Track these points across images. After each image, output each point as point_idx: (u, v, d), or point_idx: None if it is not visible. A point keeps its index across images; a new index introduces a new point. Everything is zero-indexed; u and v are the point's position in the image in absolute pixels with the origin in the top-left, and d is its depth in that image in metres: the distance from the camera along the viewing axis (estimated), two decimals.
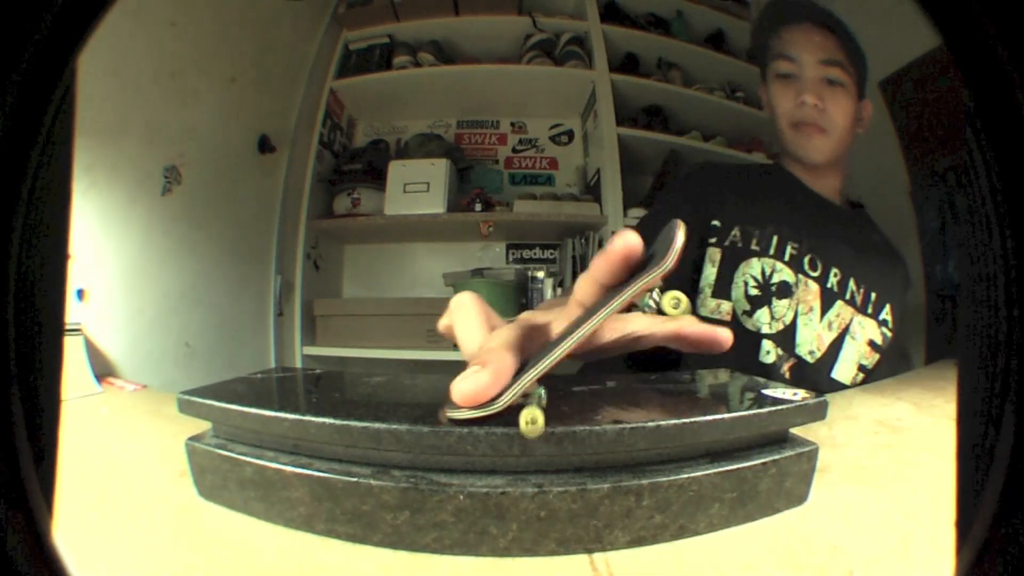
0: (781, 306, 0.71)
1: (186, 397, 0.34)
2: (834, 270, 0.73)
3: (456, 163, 1.66)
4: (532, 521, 0.27)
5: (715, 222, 0.75)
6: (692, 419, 0.30)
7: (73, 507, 0.32)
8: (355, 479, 0.28)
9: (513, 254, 1.76)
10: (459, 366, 0.28)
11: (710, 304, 0.73)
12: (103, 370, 0.87)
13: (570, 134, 1.83)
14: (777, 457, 0.31)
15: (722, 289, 0.72)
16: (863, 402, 0.57)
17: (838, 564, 0.26)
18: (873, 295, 0.74)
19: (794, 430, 0.35)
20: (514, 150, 1.85)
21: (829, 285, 0.73)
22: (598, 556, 0.27)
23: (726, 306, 0.72)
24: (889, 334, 0.74)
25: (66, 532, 0.18)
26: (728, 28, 1.69)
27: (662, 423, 0.29)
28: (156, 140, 1.15)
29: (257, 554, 0.28)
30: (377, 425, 0.28)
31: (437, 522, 0.27)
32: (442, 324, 0.41)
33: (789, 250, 0.73)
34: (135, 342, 1.03)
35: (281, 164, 1.52)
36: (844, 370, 0.72)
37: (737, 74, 1.68)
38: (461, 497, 0.27)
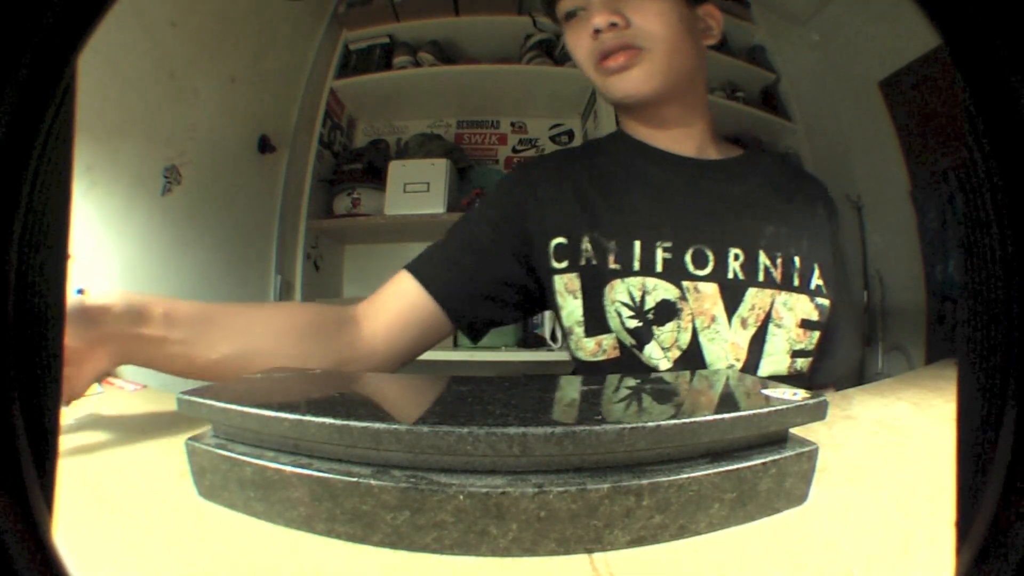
0: (666, 332, 0.55)
1: (186, 397, 0.34)
2: (733, 251, 0.57)
3: (456, 163, 1.66)
4: (532, 521, 0.27)
5: (559, 239, 0.59)
6: (692, 419, 0.30)
7: (73, 507, 0.32)
8: (355, 479, 0.28)
9: None
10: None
11: (588, 346, 0.58)
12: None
13: (570, 134, 1.83)
14: (777, 457, 0.31)
15: (596, 323, 0.57)
16: (863, 402, 0.57)
17: (838, 564, 0.26)
18: (797, 259, 0.58)
19: (794, 430, 0.35)
20: (514, 150, 1.85)
21: (731, 275, 0.57)
22: (598, 556, 0.27)
23: (609, 340, 0.57)
24: (826, 303, 0.59)
25: (66, 532, 0.18)
26: (728, 28, 1.69)
27: (662, 423, 0.29)
28: (156, 140, 1.15)
29: (257, 554, 0.28)
30: (377, 425, 0.28)
31: (437, 522, 0.27)
32: None
33: (660, 255, 0.56)
34: None
35: (281, 164, 1.52)
36: (772, 364, 0.58)
37: (737, 74, 1.68)
38: (461, 497, 0.27)
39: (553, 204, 0.60)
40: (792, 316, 0.58)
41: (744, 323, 0.57)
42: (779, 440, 0.34)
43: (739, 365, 0.57)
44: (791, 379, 0.60)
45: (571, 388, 0.43)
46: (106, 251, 1.01)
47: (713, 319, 0.56)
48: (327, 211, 1.65)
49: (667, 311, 0.56)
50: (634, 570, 0.26)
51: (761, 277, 0.57)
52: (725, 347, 0.56)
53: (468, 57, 1.69)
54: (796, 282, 0.58)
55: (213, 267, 1.30)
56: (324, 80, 1.65)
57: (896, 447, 0.44)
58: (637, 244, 0.56)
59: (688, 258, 0.57)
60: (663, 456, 0.30)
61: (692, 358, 0.56)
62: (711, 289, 0.56)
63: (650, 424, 0.29)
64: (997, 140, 0.16)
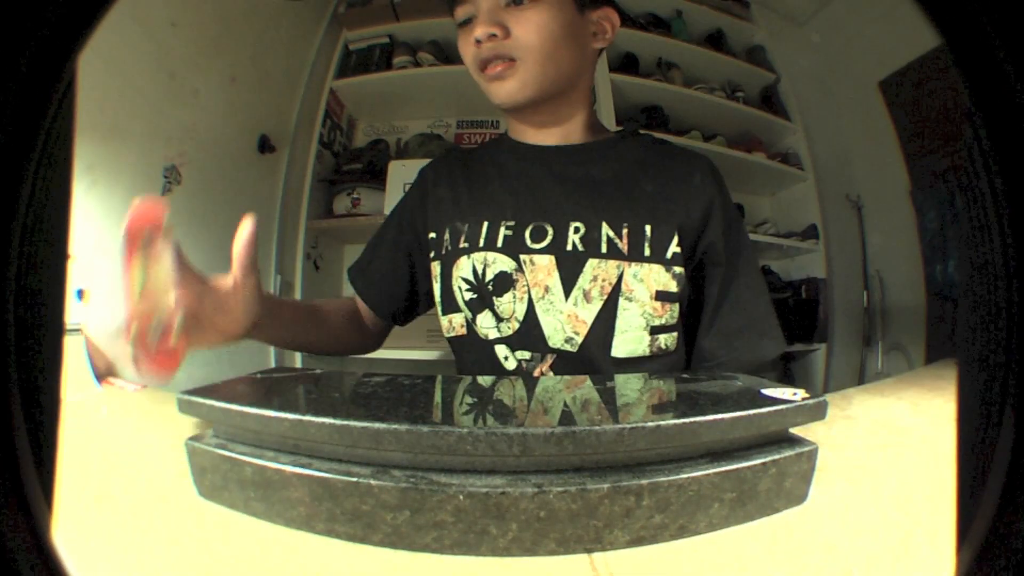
0: (504, 302, 0.58)
1: (186, 397, 0.34)
2: (574, 225, 0.58)
3: None
4: (532, 521, 0.27)
5: (431, 234, 0.65)
6: (692, 419, 0.30)
7: (73, 507, 0.32)
8: (355, 479, 0.28)
9: None
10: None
11: (443, 323, 0.64)
12: (103, 370, 0.87)
13: None
14: (777, 457, 0.31)
15: (448, 303, 0.63)
16: (863, 402, 0.57)
17: (838, 564, 0.26)
18: (648, 228, 0.58)
19: (794, 430, 0.35)
20: None
21: (569, 248, 0.57)
22: (598, 556, 0.27)
23: (457, 319, 0.62)
24: (682, 271, 0.58)
25: (66, 532, 0.18)
26: (728, 28, 1.69)
27: (662, 423, 0.29)
28: (156, 140, 1.15)
29: (257, 554, 0.28)
30: (377, 425, 0.28)
31: (437, 522, 0.27)
32: None
33: (503, 232, 0.59)
34: None
35: (281, 164, 1.52)
36: (628, 342, 0.57)
37: (737, 74, 1.68)
38: (461, 497, 0.27)
39: (434, 203, 0.67)
40: (644, 288, 0.57)
41: (587, 296, 0.57)
42: (779, 440, 0.34)
43: (579, 339, 0.57)
44: (658, 358, 0.58)
45: (571, 388, 0.43)
46: (106, 251, 1.01)
47: (547, 289, 0.57)
48: (327, 211, 1.65)
49: (504, 282, 0.58)
50: (634, 570, 0.26)
51: (604, 248, 0.57)
52: (560, 318, 0.57)
53: None
54: (647, 252, 0.57)
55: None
56: (324, 80, 1.65)
57: (896, 447, 0.44)
58: (485, 224, 0.60)
59: (527, 233, 0.59)
60: (663, 456, 0.30)
61: (530, 330, 0.58)
62: (546, 260, 0.58)
63: (650, 424, 0.29)
64: (997, 140, 0.16)
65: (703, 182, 0.62)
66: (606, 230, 0.58)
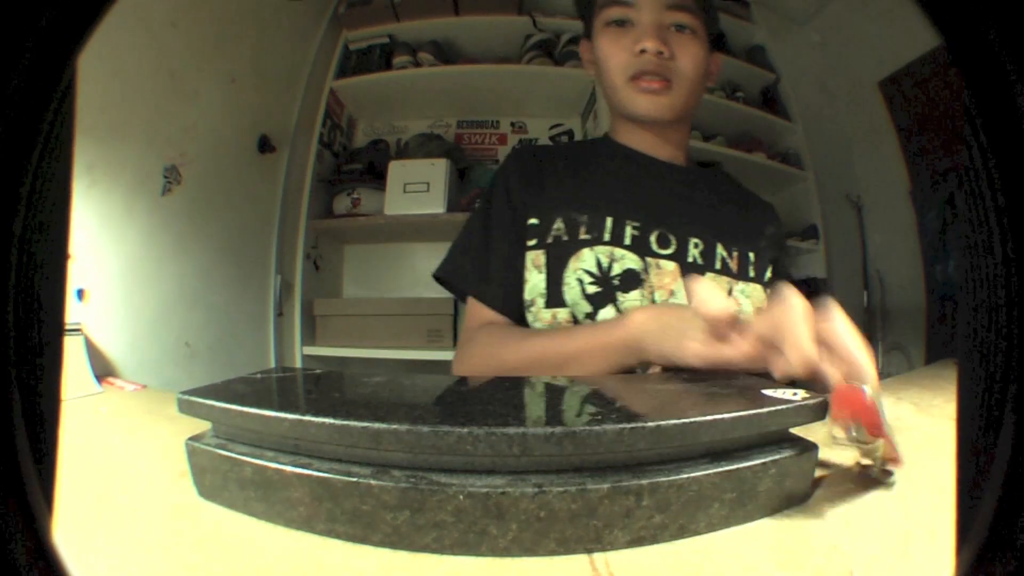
0: (631, 299, 0.59)
1: (186, 397, 0.34)
2: (694, 240, 0.62)
3: (456, 163, 1.66)
4: (532, 521, 0.27)
5: (532, 220, 0.64)
6: (692, 419, 0.30)
7: (73, 507, 0.32)
8: (355, 479, 0.28)
9: None
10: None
11: (545, 316, 0.61)
12: (103, 370, 0.87)
13: (570, 134, 1.83)
14: (777, 457, 0.31)
15: (555, 296, 0.61)
16: None
17: (838, 564, 0.26)
18: (751, 255, 0.64)
19: (794, 430, 0.35)
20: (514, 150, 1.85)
21: (690, 259, 0.62)
22: (598, 556, 0.27)
23: (563, 314, 0.60)
24: None
25: (66, 532, 0.18)
26: (728, 28, 1.69)
27: (662, 423, 0.29)
28: (156, 140, 1.15)
29: (257, 554, 0.28)
30: (377, 425, 0.28)
31: (437, 522, 0.27)
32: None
33: (629, 231, 0.61)
34: (135, 342, 1.03)
35: (281, 164, 1.52)
36: None
37: (737, 74, 1.68)
38: (461, 497, 0.27)
39: (536, 190, 0.66)
40: (749, 303, 0.62)
41: None
42: (779, 440, 0.34)
43: None
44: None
45: (571, 388, 0.43)
46: (106, 251, 1.01)
47: (672, 293, 0.60)
48: (327, 211, 1.65)
49: (632, 279, 0.60)
50: (634, 570, 0.26)
51: (718, 265, 0.63)
52: None
53: (468, 57, 1.69)
54: (751, 273, 0.64)
55: (213, 267, 1.30)
56: (324, 80, 1.65)
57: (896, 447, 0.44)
58: (609, 219, 0.61)
59: (653, 238, 0.62)
60: (663, 456, 0.30)
61: None
62: (671, 267, 0.61)
63: (650, 424, 0.29)
64: (997, 140, 0.16)
65: (778, 232, 0.71)
66: (720, 249, 0.63)
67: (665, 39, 0.61)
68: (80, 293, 0.93)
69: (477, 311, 0.66)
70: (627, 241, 0.61)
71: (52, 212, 0.17)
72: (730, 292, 0.62)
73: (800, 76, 1.69)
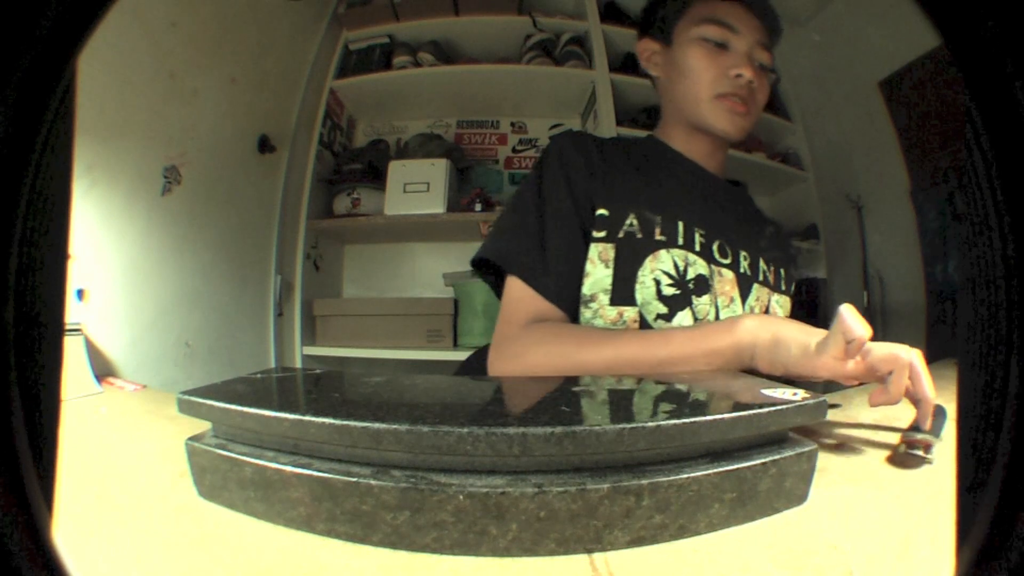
0: (703, 304, 0.61)
1: (186, 397, 0.34)
2: (743, 253, 0.67)
3: (456, 163, 1.66)
4: (532, 521, 0.27)
5: (601, 210, 0.63)
6: (692, 419, 0.30)
7: (73, 507, 0.32)
8: (355, 479, 0.28)
9: None
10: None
11: (609, 314, 0.60)
12: (103, 370, 0.87)
13: None
14: (777, 457, 0.31)
15: (623, 293, 0.60)
16: (862, 402, 0.57)
17: (838, 564, 0.26)
18: (782, 271, 0.72)
19: (794, 430, 0.35)
20: (514, 150, 1.85)
21: (742, 270, 0.66)
22: (598, 556, 0.27)
23: (630, 313, 0.60)
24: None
25: (66, 532, 0.18)
26: None
27: (662, 423, 0.29)
28: (156, 140, 1.15)
29: (257, 554, 0.28)
30: (377, 425, 0.28)
31: (437, 522, 0.27)
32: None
33: (698, 238, 0.63)
34: (135, 342, 1.03)
35: (281, 164, 1.52)
36: None
37: None
38: (461, 497, 0.27)
39: (604, 181, 0.65)
40: (783, 312, 0.70)
41: (752, 312, 0.66)
42: (779, 440, 0.34)
43: None
44: None
45: (571, 388, 0.43)
46: (106, 251, 1.01)
47: (732, 300, 0.65)
48: (327, 211, 1.65)
49: (702, 285, 0.62)
50: (634, 570, 0.26)
51: (761, 277, 0.68)
52: None
53: (468, 57, 1.69)
54: (783, 286, 0.71)
55: (213, 267, 1.30)
56: (324, 80, 1.65)
57: (896, 447, 0.44)
58: (680, 224, 0.63)
59: (715, 247, 0.65)
60: (663, 456, 0.30)
61: None
62: (730, 275, 0.65)
63: (650, 424, 0.29)
64: (997, 140, 0.16)
65: (795, 250, 0.82)
66: (762, 264, 0.69)
67: (755, 71, 0.67)
68: (80, 293, 0.93)
69: (528, 303, 0.61)
70: (696, 247, 0.63)
71: (52, 212, 0.17)
72: (769, 302, 0.68)
73: (800, 76, 1.69)
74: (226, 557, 0.28)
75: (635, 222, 0.62)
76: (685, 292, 0.61)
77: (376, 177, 1.62)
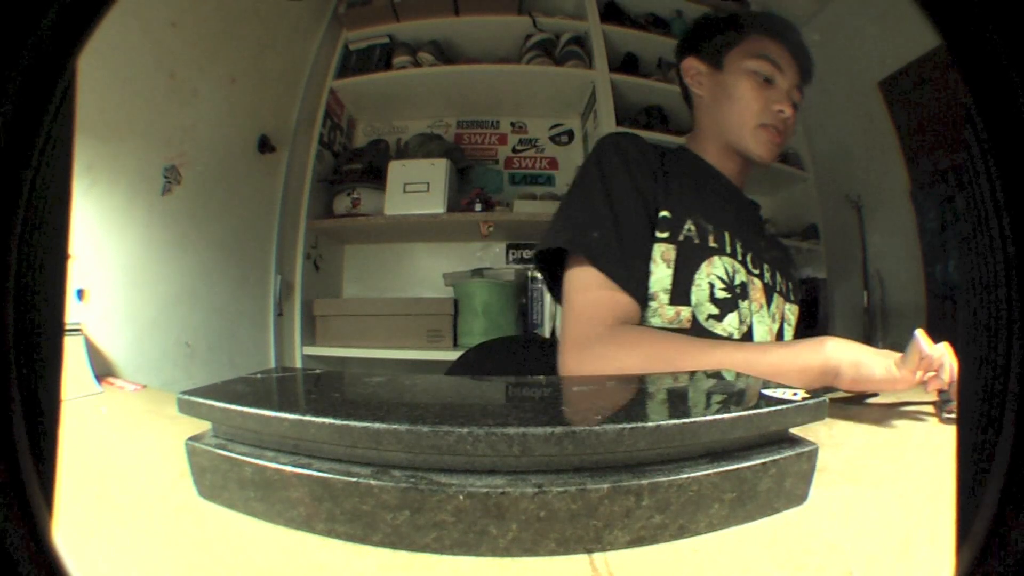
0: (745, 307, 0.69)
1: (186, 397, 0.34)
2: (766, 265, 0.74)
3: (456, 163, 1.66)
4: (532, 521, 0.27)
5: (664, 212, 0.67)
6: (692, 419, 0.30)
7: (73, 507, 0.32)
8: (355, 479, 0.28)
9: (513, 254, 1.76)
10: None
11: (667, 313, 0.64)
12: (103, 370, 0.87)
13: (570, 134, 1.83)
14: (777, 457, 0.31)
15: (680, 293, 0.64)
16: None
17: (838, 564, 0.26)
18: (791, 284, 0.79)
19: (794, 430, 0.35)
20: (514, 150, 1.85)
21: (767, 280, 0.73)
22: (598, 556, 0.27)
23: (686, 312, 0.64)
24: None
25: (66, 532, 0.18)
26: None
27: (662, 423, 0.29)
28: (156, 140, 1.15)
29: (257, 554, 0.28)
30: (377, 425, 0.28)
31: (437, 522, 0.27)
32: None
33: (739, 247, 0.71)
34: (135, 342, 1.03)
35: (281, 164, 1.52)
36: None
37: None
38: (461, 497, 0.27)
39: (666, 184, 0.69)
40: (793, 319, 0.78)
41: (773, 318, 0.73)
42: (779, 440, 0.34)
43: None
44: None
45: (571, 388, 0.43)
46: (106, 251, 1.01)
47: (761, 307, 0.71)
48: (327, 211, 1.65)
49: (744, 291, 0.69)
50: (634, 570, 0.26)
51: (779, 288, 0.76)
52: (765, 329, 0.71)
53: (468, 57, 1.69)
54: (792, 297, 0.78)
55: (213, 267, 1.30)
56: (324, 80, 1.65)
57: (896, 447, 0.44)
58: (727, 233, 0.70)
59: (749, 258, 0.72)
60: (663, 456, 0.30)
61: (748, 335, 0.69)
62: (759, 284, 0.72)
63: (650, 424, 0.29)
64: (997, 140, 0.16)
65: (795, 266, 0.85)
66: (779, 277, 0.76)
67: (792, 108, 0.74)
68: (80, 293, 0.93)
69: (609, 299, 0.61)
70: (739, 256, 0.70)
71: (52, 212, 0.17)
72: (784, 310, 0.75)
73: None
74: (226, 557, 0.28)
75: (692, 228, 0.67)
76: (734, 296, 0.67)
77: (376, 177, 1.62)
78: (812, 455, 0.33)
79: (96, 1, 0.17)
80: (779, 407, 0.32)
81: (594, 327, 0.60)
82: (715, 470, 0.30)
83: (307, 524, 0.29)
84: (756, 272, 0.72)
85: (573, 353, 0.60)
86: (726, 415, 0.31)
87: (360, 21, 1.68)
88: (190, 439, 0.34)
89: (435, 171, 1.57)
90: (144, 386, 0.76)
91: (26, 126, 0.16)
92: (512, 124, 1.86)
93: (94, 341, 0.91)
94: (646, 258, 0.65)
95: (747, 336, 0.69)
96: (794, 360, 0.55)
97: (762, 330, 0.71)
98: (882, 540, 0.29)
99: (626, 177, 0.66)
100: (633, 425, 0.29)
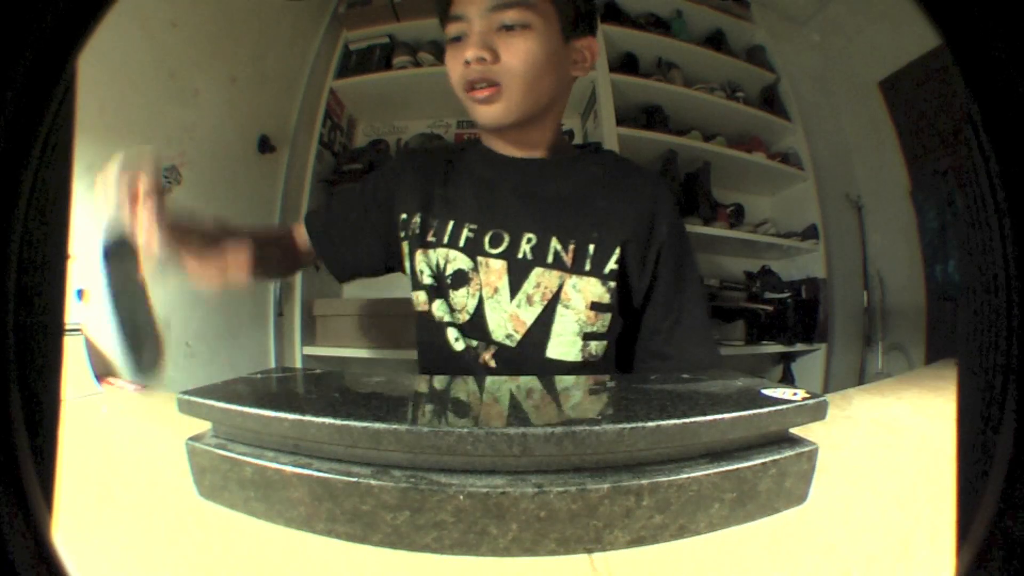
0: (459, 296, 0.66)
1: (186, 397, 0.34)
2: (527, 236, 0.64)
3: None
4: (532, 521, 0.27)
5: (403, 215, 0.70)
6: (692, 419, 0.30)
7: (73, 507, 0.32)
8: (355, 479, 0.28)
9: None
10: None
11: (412, 297, 0.71)
12: (103, 370, 0.87)
13: (570, 134, 1.83)
14: (777, 457, 0.31)
15: (415, 281, 0.69)
16: (862, 402, 0.57)
17: (838, 564, 0.26)
18: (591, 247, 0.64)
19: (794, 430, 0.35)
20: None
21: (520, 255, 0.64)
22: (598, 556, 0.27)
23: (422, 296, 0.69)
24: (615, 285, 0.64)
25: (66, 532, 0.18)
26: (728, 28, 1.69)
27: (662, 423, 0.29)
28: (156, 140, 1.15)
29: (257, 554, 0.28)
30: (377, 425, 0.28)
31: (437, 522, 0.27)
32: None
33: (466, 234, 0.66)
34: None
35: (281, 164, 1.52)
36: (562, 346, 0.63)
37: (737, 74, 1.68)
38: (461, 497, 0.27)
39: (407, 187, 0.72)
40: (581, 298, 0.63)
41: (530, 300, 0.63)
42: (779, 440, 0.34)
43: (518, 336, 0.64)
44: (589, 366, 0.63)
45: (571, 388, 0.43)
46: None
47: (496, 290, 0.64)
48: None
49: (460, 279, 0.66)
50: (634, 570, 0.26)
51: (550, 260, 0.64)
52: (504, 317, 0.64)
53: None
54: (587, 266, 0.63)
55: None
56: (324, 80, 1.64)
57: (896, 447, 0.44)
58: (451, 223, 0.67)
59: (487, 238, 0.65)
60: (663, 456, 0.30)
61: (477, 322, 0.65)
62: (499, 265, 0.64)
63: (650, 424, 0.29)
64: (997, 140, 0.16)
65: (649, 198, 0.67)
66: (554, 244, 0.64)
67: (487, 44, 0.61)
68: (80, 293, 0.93)
69: (299, 232, 0.81)
70: (461, 243, 0.66)
71: (52, 212, 0.17)
72: (561, 287, 0.63)
73: (800, 76, 1.69)
74: (226, 557, 0.28)
75: (417, 223, 0.69)
76: (441, 286, 0.67)
77: None
78: (812, 455, 0.33)
79: (96, 1, 0.17)
80: (779, 407, 0.32)
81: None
82: (715, 470, 0.30)
83: (307, 524, 0.29)
84: (496, 251, 0.64)
85: None
86: (726, 415, 0.31)
87: (360, 21, 1.68)
88: (190, 439, 0.34)
89: None
90: (144, 386, 0.76)
91: (26, 126, 0.16)
92: None
93: (94, 341, 0.91)
94: (355, 245, 0.75)
95: (476, 323, 0.64)
96: None
97: (497, 318, 0.64)
98: (882, 540, 0.29)
99: (371, 188, 0.75)
100: (633, 425, 0.29)
